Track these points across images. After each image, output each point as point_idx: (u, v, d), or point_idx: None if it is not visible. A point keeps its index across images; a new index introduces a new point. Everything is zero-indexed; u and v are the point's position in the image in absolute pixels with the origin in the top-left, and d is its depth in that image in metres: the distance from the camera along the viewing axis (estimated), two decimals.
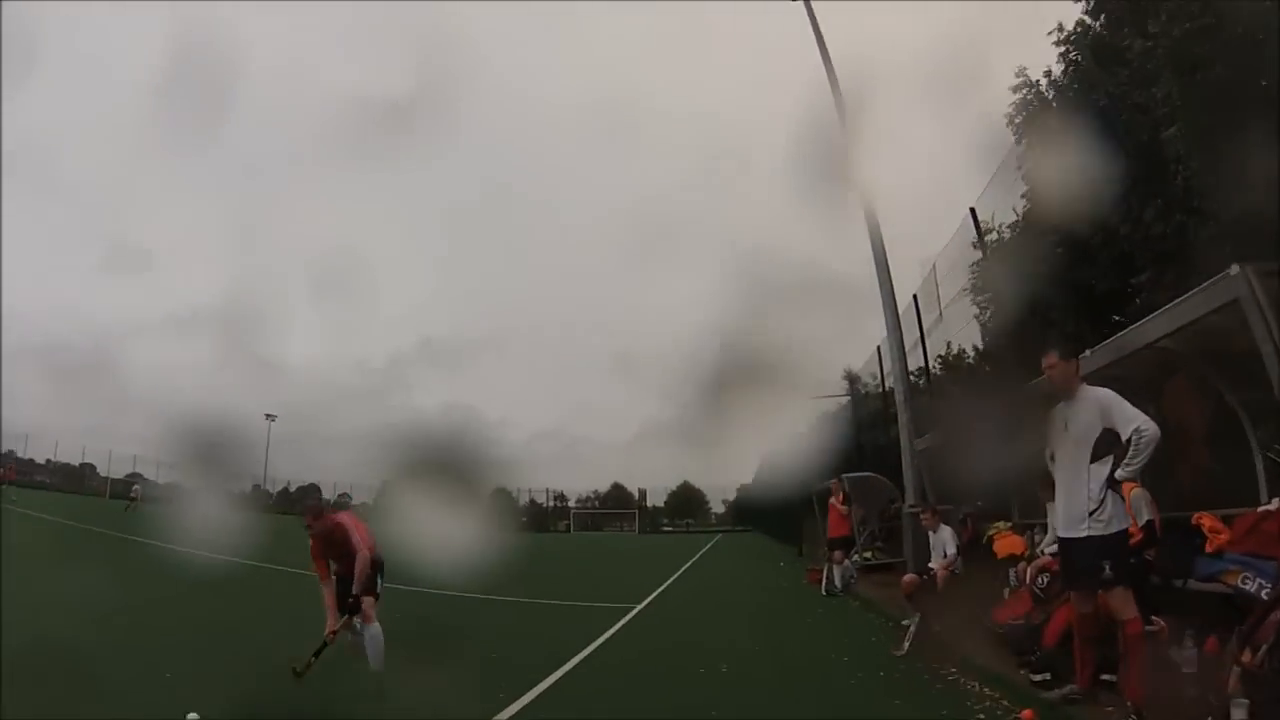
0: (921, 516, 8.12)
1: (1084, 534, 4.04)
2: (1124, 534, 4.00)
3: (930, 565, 7.69)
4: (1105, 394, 4.10)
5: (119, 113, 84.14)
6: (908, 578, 7.62)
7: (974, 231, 9.88)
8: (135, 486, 35.30)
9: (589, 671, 5.87)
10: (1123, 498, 4.02)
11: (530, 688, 4.97)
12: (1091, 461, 4.04)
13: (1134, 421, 3.89)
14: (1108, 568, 3.93)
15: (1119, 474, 3.95)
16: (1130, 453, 3.89)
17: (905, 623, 7.09)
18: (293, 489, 57.14)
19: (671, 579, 14.69)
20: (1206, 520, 4.66)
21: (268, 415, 47.08)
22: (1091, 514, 4.00)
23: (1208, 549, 4.56)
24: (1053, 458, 4.44)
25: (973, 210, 10.17)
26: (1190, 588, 4.53)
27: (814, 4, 11.48)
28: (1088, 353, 4.85)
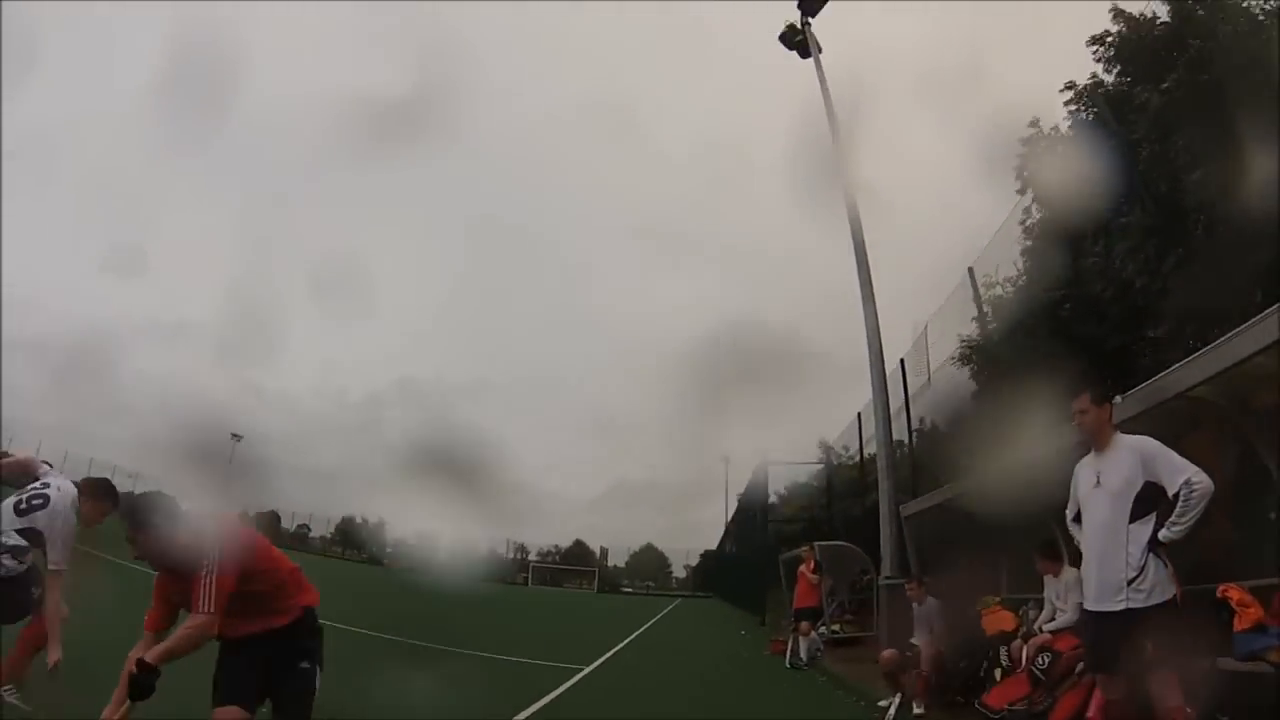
0: (907, 587, 7.42)
1: (1120, 607, 3.39)
2: (1167, 606, 3.37)
3: (913, 640, 6.98)
4: (1147, 442, 3.53)
5: (115, 111, 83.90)
6: (887, 654, 6.89)
7: (971, 290, 9.50)
8: None
9: None
10: (1165, 562, 3.40)
11: None
12: (1131, 521, 3.45)
13: (1183, 473, 3.32)
14: (1151, 647, 3.29)
15: (1164, 534, 3.35)
16: (1179, 509, 3.30)
17: (883, 703, 6.41)
18: (251, 515, 54.97)
19: (626, 641, 13.75)
20: (1234, 593, 4.05)
21: (234, 435, 45.15)
22: (1131, 583, 3.38)
23: (1237, 625, 3.96)
24: (1077, 519, 3.84)
25: (970, 270, 9.84)
26: (1221, 667, 3.90)
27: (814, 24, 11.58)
28: (1118, 399, 4.30)
